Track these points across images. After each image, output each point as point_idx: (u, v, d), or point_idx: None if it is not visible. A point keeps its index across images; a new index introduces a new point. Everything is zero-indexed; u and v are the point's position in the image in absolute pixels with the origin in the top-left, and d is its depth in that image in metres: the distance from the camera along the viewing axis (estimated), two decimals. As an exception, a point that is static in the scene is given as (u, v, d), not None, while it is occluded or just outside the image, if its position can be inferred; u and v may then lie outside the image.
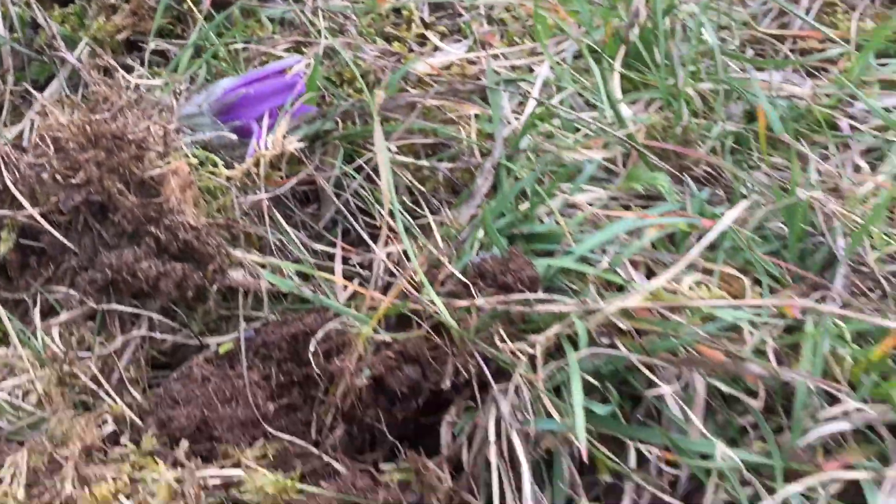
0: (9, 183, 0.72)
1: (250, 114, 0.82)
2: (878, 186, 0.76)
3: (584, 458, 0.58)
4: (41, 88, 0.93)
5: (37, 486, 0.59)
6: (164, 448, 0.62)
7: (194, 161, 0.76)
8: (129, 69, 0.93)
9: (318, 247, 0.79)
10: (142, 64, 0.94)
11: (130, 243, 0.70)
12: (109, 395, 0.67)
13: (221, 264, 0.70)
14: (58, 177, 0.71)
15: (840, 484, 0.59)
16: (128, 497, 0.55)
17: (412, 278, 0.68)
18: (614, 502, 0.62)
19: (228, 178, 0.76)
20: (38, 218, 0.71)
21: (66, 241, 0.71)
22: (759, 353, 0.62)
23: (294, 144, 0.77)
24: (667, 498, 0.60)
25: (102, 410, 0.66)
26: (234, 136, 0.80)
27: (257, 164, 0.76)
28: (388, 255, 0.75)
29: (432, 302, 0.65)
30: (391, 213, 0.72)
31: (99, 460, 0.61)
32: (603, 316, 0.62)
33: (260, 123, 0.81)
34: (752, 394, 0.61)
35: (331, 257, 0.78)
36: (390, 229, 0.74)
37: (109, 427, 0.65)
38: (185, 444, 0.60)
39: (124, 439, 0.64)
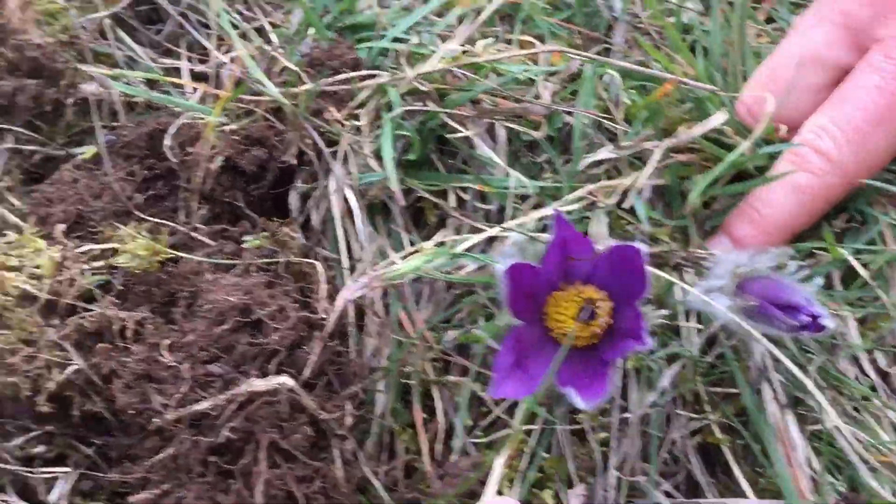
0: None
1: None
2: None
3: (401, 201, 0.69)
4: None
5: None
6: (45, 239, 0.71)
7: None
8: None
9: (166, 61, 0.86)
10: None
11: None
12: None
13: (73, 79, 0.77)
14: None
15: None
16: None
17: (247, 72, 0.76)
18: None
19: (67, -1, 0.81)
20: None
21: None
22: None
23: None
24: (482, 225, 0.73)
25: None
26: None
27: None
28: (232, 59, 0.83)
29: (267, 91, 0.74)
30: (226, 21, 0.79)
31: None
32: (409, 81, 0.72)
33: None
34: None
35: (178, 71, 0.85)
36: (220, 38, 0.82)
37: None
38: (61, 227, 0.68)
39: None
